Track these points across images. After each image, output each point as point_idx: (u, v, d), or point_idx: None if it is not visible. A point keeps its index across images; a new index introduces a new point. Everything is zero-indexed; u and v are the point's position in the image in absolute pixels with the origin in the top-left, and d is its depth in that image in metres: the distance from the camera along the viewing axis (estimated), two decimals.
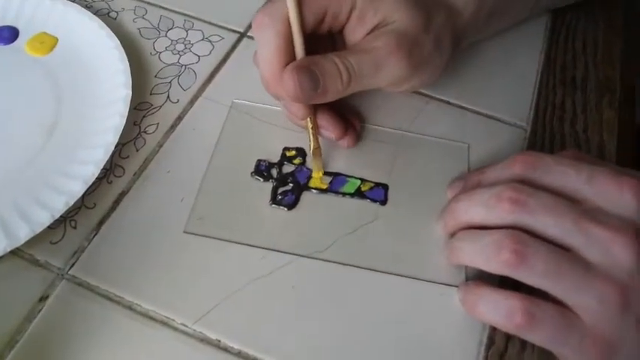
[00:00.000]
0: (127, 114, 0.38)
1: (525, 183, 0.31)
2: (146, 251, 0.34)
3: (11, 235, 0.33)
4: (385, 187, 0.37)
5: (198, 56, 0.44)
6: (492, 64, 0.46)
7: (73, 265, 0.33)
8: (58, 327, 0.31)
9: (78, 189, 0.35)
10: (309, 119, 0.36)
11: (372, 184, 0.38)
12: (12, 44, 0.43)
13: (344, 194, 0.37)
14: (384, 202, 0.37)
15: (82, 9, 0.44)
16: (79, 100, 0.40)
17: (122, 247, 0.34)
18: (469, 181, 0.35)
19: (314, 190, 0.37)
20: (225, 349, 0.31)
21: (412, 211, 0.37)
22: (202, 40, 0.45)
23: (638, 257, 0.27)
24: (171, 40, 0.44)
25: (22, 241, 0.33)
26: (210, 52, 0.44)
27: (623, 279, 0.27)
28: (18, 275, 0.33)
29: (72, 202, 0.34)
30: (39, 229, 0.33)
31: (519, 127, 0.42)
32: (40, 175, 0.36)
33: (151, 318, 0.32)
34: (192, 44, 0.45)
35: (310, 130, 0.37)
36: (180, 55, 0.43)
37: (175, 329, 0.31)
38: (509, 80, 0.45)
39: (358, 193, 0.37)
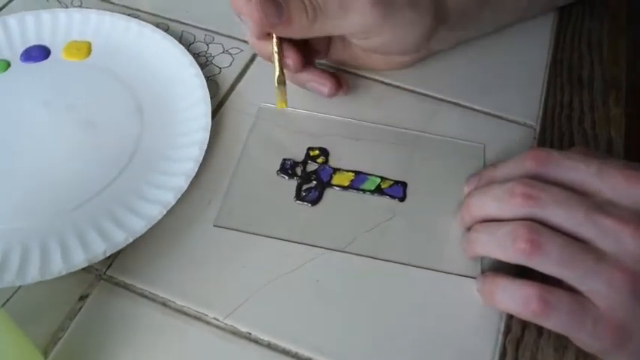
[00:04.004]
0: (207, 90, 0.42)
1: (537, 178, 0.32)
2: (178, 250, 0.36)
3: (110, 240, 0.35)
4: (404, 184, 0.39)
5: (220, 68, 0.46)
6: (501, 66, 0.48)
7: (110, 265, 0.35)
8: (97, 324, 0.33)
9: (181, 183, 0.37)
10: (274, 43, 0.38)
11: (392, 182, 0.39)
12: (48, 59, 0.46)
13: (364, 191, 0.39)
14: (402, 199, 0.39)
15: (101, 11, 0.48)
16: (149, 88, 0.44)
17: (156, 248, 0.36)
18: (483, 176, 0.37)
19: (336, 187, 0.39)
20: (256, 341, 0.33)
21: (430, 207, 0.38)
22: (223, 52, 0.47)
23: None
24: (193, 54, 0.47)
25: (123, 245, 0.35)
26: (231, 64, 0.47)
27: (633, 266, 0.29)
28: (60, 278, 0.34)
29: (165, 210, 0.36)
30: (136, 236, 0.35)
31: (529, 126, 0.44)
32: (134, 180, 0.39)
33: (185, 313, 0.34)
34: (214, 57, 0.47)
35: (275, 56, 0.38)
36: (203, 68, 0.45)
37: (208, 323, 0.33)
38: (517, 81, 0.47)
39: (378, 190, 0.39)
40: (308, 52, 0.41)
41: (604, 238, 0.29)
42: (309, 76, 0.41)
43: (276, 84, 0.38)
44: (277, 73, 0.38)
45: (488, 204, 0.33)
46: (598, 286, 0.29)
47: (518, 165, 0.34)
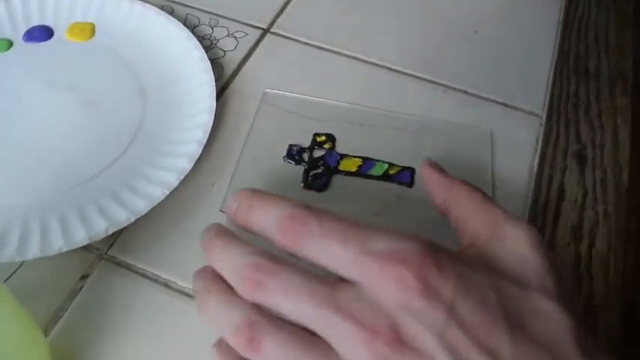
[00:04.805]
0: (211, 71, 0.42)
1: (285, 249, 0.27)
2: (181, 232, 0.36)
3: (112, 219, 0.34)
4: (412, 170, 0.39)
5: (224, 51, 0.46)
6: (508, 55, 0.47)
7: (112, 245, 0.35)
8: (98, 304, 0.33)
9: (184, 166, 0.37)
10: None
11: (400, 168, 0.39)
12: (52, 39, 0.46)
13: (372, 177, 0.39)
14: (410, 185, 0.38)
15: None
16: (153, 71, 0.44)
17: (159, 229, 0.36)
18: (239, 211, 0.29)
19: (344, 173, 0.39)
20: None
21: None
22: (227, 36, 0.47)
23: (373, 356, 0.24)
24: (198, 37, 0.46)
25: (125, 224, 0.34)
26: (236, 47, 0.46)
27: None
28: (61, 256, 0.34)
29: (168, 191, 0.36)
30: (138, 215, 0.35)
31: (535, 114, 0.43)
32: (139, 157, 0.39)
33: (186, 294, 0.33)
34: (218, 40, 0.47)
35: None
36: (207, 51, 0.45)
37: None
38: (524, 70, 0.46)
39: (386, 176, 0.39)
40: None
41: (334, 338, 0.25)
42: None
43: None
44: None
45: (224, 268, 0.28)
46: None
47: (273, 222, 0.28)
